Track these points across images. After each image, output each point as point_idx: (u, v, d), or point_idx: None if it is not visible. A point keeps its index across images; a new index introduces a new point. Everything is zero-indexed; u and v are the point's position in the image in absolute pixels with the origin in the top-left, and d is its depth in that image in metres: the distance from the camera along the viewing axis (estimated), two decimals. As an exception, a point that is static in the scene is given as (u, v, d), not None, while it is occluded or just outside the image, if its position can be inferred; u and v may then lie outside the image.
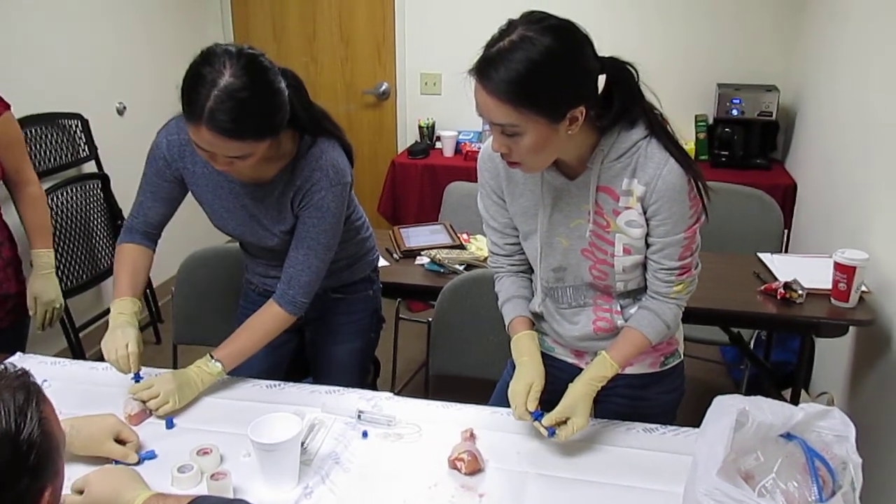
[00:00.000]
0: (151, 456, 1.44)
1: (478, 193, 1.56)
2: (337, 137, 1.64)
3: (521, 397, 1.43)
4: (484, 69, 1.21)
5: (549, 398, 1.55)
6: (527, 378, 1.45)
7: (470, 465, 1.38)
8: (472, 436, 1.48)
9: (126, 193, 3.37)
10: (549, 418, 1.41)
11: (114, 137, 3.41)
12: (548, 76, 1.20)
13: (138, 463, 1.41)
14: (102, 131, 3.35)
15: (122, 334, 1.61)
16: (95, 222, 3.34)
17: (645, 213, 1.37)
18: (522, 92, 1.20)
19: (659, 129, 1.34)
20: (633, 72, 1.31)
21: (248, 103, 1.38)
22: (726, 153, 3.63)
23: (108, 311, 3.48)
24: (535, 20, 1.22)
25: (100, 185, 3.34)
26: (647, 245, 1.42)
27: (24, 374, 0.87)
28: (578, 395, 1.42)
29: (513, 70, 1.19)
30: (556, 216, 1.43)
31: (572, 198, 1.40)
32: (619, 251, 1.41)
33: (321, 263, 1.66)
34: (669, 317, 1.46)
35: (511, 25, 1.22)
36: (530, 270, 1.60)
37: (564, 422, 1.41)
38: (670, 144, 1.34)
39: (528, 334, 1.53)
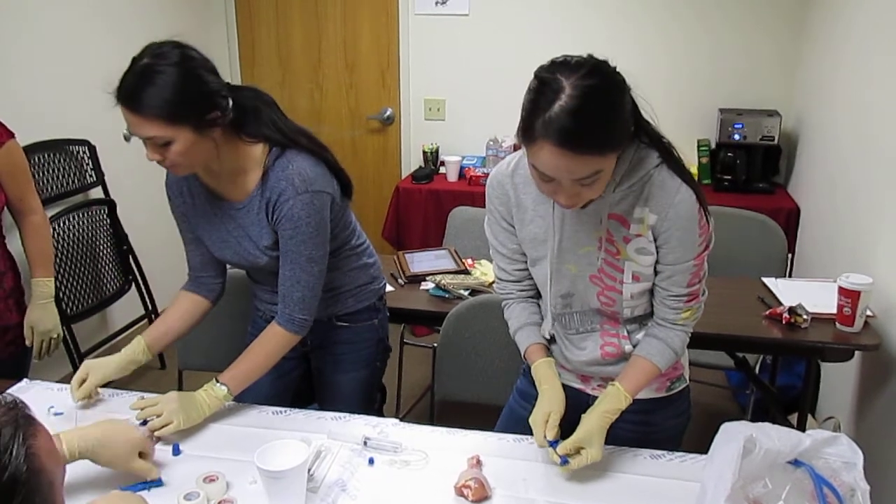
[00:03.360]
0: (158, 483, 1.43)
1: (485, 219, 1.57)
2: (311, 151, 1.64)
3: (539, 427, 1.44)
4: (564, 135, 1.19)
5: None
6: (545, 407, 1.46)
7: (477, 492, 1.38)
8: (479, 462, 1.48)
9: (132, 219, 3.43)
10: (563, 447, 1.41)
11: (121, 163, 3.44)
12: (616, 115, 1.23)
13: (157, 482, 1.42)
14: (109, 157, 3.38)
15: (91, 364, 1.69)
16: (101, 248, 3.36)
17: (655, 240, 1.39)
18: (608, 138, 1.23)
19: (669, 156, 1.35)
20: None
21: (156, 80, 1.41)
22: (729, 177, 3.65)
23: (112, 337, 3.53)
24: (575, 68, 1.21)
25: (106, 211, 3.37)
26: (656, 272, 1.43)
27: (15, 408, 0.84)
28: (594, 427, 1.42)
29: (596, 123, 1.20)
30: (566, 243, 1.44)
31: (582, 225, 1.41)
32: (627, 278, 1.42)
33: (309, 277, 1.65)
34: (677, 344, 1.47)
35: (556, 82, 1.20)
36: (538, 295, 1.60)
37: (578, 451, 1.41)
38: (681, 172, 1.35)
39: (546, 362, 1.54)
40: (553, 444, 1.42)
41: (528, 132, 1.22)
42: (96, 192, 3.38)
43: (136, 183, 3.48)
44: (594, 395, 1.60)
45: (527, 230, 1.48)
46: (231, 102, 1.53)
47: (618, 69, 1.27)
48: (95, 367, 1.67)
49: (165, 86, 1.42)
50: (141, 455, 1.42)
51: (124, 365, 1.70)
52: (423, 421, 1.70)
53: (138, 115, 1.43)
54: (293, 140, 1.62)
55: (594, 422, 1.43)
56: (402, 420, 1.66)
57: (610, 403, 1.44)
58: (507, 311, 1.64)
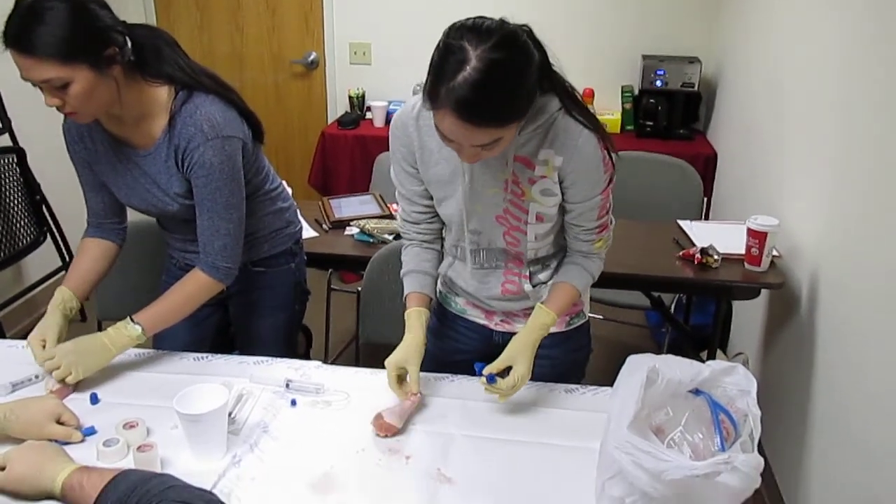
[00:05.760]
0: (91, 432, 1.42)
1: (391, 160, 1.58)
2: (217, 93, 1.59)
3: (391, 370, 1.49)
4: (466, 107, 1.19)
5: (464, 358, 1.59)
6: (399, 354, 1.50)
7: (381, 427, 1.42)
8: (416, 395, 1.48)
9: (44, 167, 3.28)
10: (490, 368, 1.45)
11: (29, 109, 3.25)
12: (520, 88, 1.23)
13: (81, 441, 1.40)
14: (16, 103, 3.22)
15: (40, 324, 1.62)
16: (12, 198, 3.21)
17: (561, 182, 1.43)
18: (510, 113, 1.24)
19: (570, 99, 1.37)
20: (542, 47, 1.31)
21: (46, 17, 1.35)
22: (651, 123, 3.73)
23: (29, 290, 3.41)
24: (483, 37, 1.18)
25: (15, 160, 3.22)
26: (565, 212, 1.48)
27: None
28: (520, 343, 1.47)
29: (498, 99, 1.20)
30: (474, 185, 1.46)
31: (489, 168, 1.43)
32: (532, 219, 1.47)
33: (229, 224, 1.63)
34: (594, 269, 1.56)
35: (462, 51, 1.18)
36: (437, 240, 1.64)
37: (507, 372, 1.45)
38: (583, 114, 1.38)
39: (418, 311, 1.56)
40: (488, 377, 1.45)
41: (433, 97, 1.22)
42: (3, 140, 3.22)
43: (47, 129, 3.27)
44: (497, 329, 1.67)
45: (432, 172, 1.50)
46: (129, 40, 1.47)
47: (530, 32, 1.26)
48: (45, 332, 1.60)
49: (56, 22, 1.35)
50: (62, 422, 1.40)
51: (64, 319, 1.64)
52: (350, 365, 1.72)
53: (30, 56, 1.36)
54: (198, 81, 1.57)
55: (520, 338, 1.48)
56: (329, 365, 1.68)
57: (534, 320, 1.50)
58: (403, 252, 1.67)
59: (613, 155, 1.42)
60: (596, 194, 1.44)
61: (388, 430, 1.42)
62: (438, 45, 1.23)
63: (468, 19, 1.23)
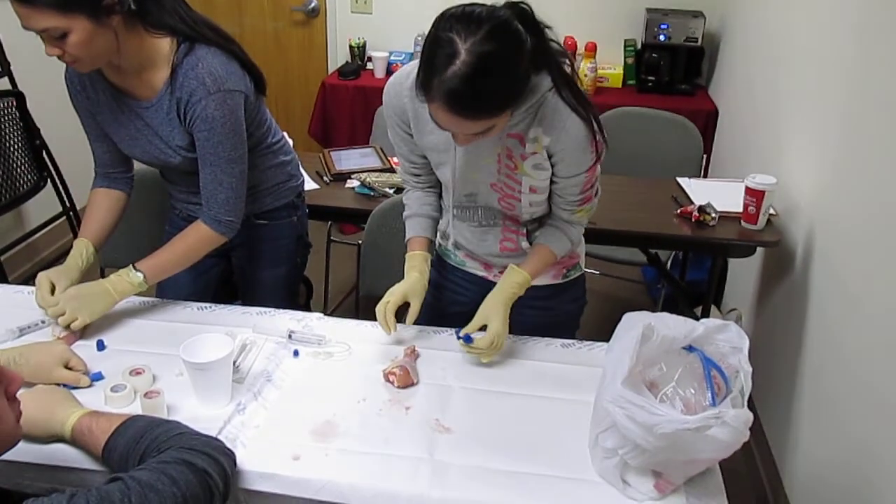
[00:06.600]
0: (99, 377, 1.45)
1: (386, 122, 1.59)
2: (218, 45, 1.58)
3: (394, 297, 1.54)
4: (457, 101, 1.21)
5: (462, 310, 1.63)
6: (403, 287, 1.56)
7: (402, 379, 1.46)
8: (414, 352, 1.55)
9: (44, 111, 3.26)
10: (465, 329, 1.51)
11: (29, 52, 3.21)
12: (512, 79, 1.25)
13: (89, 386, 1.43)
14: (16, 46, 3.18)
15: (56, 268, 1.64)
16: (12, 142, 3.20)
17: (550, 158, 1.45)
18: (502, 104, 1.26)
19: (563, 79, 1.36)
20: (543, 28, 1.31)
21: None
22: (653, 78, 3.71)
23: (29, 235, 3.43)
24: (473, 28, 1.18)
25: (15, 104, 3.19)
26: (552, 182, 1.51)
27: None
28: (492, 302, 1.52)
29: (489, 91, 1.21)
30: (467, 156, 1.48)
31: (483, 142, 1.42)
32: (525, 189, 1.50)
33: (231, 178, 1.63)
34: (574, 234, 1.59)
35: (451, 44, 1.18)
36: (439, 185, 1.67)
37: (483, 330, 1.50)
38: (574, 95, 1.37)
39: (422, 255, 1.62)
40: (464, 338, 1.51)
41: (425, 89, 1.23)
42: (3, 84, 3.19)
43: (47, 73, 3.24)
44: (496, 281, 1.69)
45: (427, 140, 1.51)
46: None
47: (524, 14, 1.25)
48: (58, 278, 1.62)
49: None
50: (70, 367, 1.43)
51: (80, 275, 1.66)
52: (349, 316, 1.75)
53: (28, 5, 1.35)
54: (200, 33, 1.56)
55: (492, 297, 1.53)
56: (329, 316, 1.71)
57: (506, 280, 1.54)
58: (405, 195, 1.71)
59: (602, 135, 1.41)
60: (581, 172, 1.45)
61: (407, 383, 1.46)
62: (429, 35, 1.23)
63: (458, 6, 1.22)
